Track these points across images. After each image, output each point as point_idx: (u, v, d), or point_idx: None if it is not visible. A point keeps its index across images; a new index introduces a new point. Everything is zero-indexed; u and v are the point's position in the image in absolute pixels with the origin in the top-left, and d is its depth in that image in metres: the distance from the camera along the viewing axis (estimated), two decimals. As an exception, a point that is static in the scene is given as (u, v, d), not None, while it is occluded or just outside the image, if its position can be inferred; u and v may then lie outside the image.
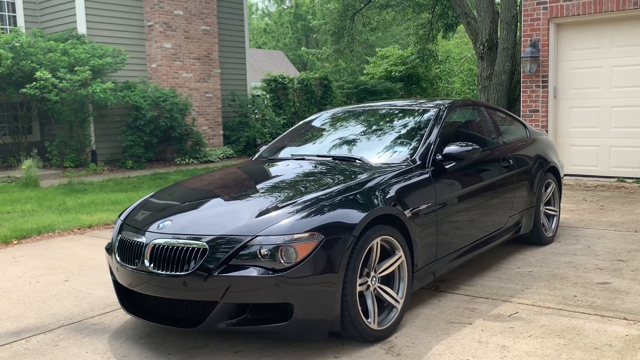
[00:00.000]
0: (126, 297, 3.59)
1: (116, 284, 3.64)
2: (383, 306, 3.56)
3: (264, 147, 5.19)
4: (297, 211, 3.29)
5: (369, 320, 3.36)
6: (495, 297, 4.17)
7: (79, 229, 7.01)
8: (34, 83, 11.23)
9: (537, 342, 3.36)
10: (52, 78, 11.25)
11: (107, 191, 9.86)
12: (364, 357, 3.26)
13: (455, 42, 30.99)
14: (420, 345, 3.37)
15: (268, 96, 17.54)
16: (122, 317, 3.99)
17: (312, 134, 5.17)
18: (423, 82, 21.45)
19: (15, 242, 6.41)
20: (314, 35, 34.81)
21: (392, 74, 20.82)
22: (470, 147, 4.19)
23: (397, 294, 3.60)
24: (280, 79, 17.55)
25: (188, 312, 3.30)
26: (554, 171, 5.73)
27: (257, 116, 16.23)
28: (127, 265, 3.42)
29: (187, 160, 13.65)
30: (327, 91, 18.63)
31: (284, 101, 17.57)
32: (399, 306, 3.59)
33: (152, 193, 4.30)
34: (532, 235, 5.42)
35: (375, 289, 3.47)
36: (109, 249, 3.72)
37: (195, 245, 3.18)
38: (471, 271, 4.79)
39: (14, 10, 13.28)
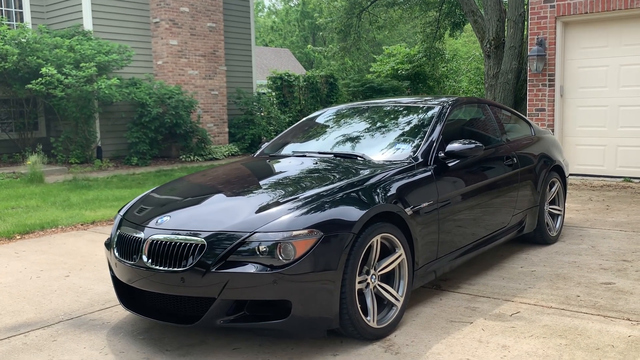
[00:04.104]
0: (125, 293, 3.57)
1: (115, 280, 3.62)
2: (383, 304, 3.53)
3: (266, 143, 5.16)
4: (296, 208, 3.26)
5: (368, 318, 3.33)
6: (497, 296, 4.13)
7: (82, 224, 7.01)
8: (40, 79, 11.25)
9: (539, 342, 3.32)
10: (58, 74, 11.26)
11: (112, 187, 9.87)
12: (362, 355, 3.23)
13: (463, 41, 30.89)
14: (420, 344, 3.34)
15: (274, 94, 17.53)
16: (121, 312, 3.98)
17: (314, 130, 5.14)
18: (430, 80, 21.36)
19: (18, 237, 6.42)
20: (321, 33, 34.75)
21: (399, 72, 20.74)
22: (473, 145, 4.15)
23: (397, 292, 3.57)
24: (286, 77, 17.54)
25: (186, 309, 3.28)
26: (559, 170, 5.68)
27: (262, 114, 16.22)
28: (125, 261, 3.41)
29: (192, 157, 13.65)
30: (333, 89, 18.60)
31: (289, 99, 17.56)
32: (399, 304, 3.55)
33: (152, 189, 4.28)
34: (536, 235, 5.37)
35: (375, 286, 3.44)
36: (108, 245, 3.70)
37: (193, 241, 3.15)
38: (473, 270, 4.75)
39: (20, 7, 13.31)
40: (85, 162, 12.54)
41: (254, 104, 15.77)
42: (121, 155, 13.26)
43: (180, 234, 3.22)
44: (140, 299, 3.50)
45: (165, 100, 12.89)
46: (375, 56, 25.87)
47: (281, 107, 17.18)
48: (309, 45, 30.69)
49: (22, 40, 11.55)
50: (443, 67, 22.21)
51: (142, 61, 13.90)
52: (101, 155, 12.90)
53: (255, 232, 3.10)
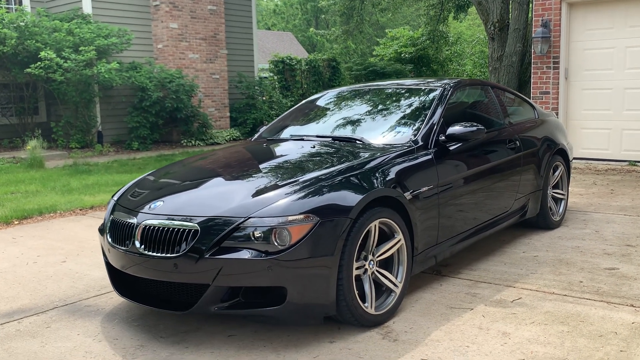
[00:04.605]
0: (119, 279, 3.51)
1: (109, 266, 3.56)
2: (381, 290, 3.46)
3: (264, 127, 5.08)
4: (292, 193, 3.18)
5: (366, 304, 3.27)
6: (498, 282, 4.06)
7: (80, 209, 6.96)
8: (39, 63, 11.16)
9: (540, 328, 3.25)
10: (57, 58, 11.17)
11: (112, 172, 9.81)
12: (360, 342, 3.17)
13: (467, 24, 30.56)
14: (419, 331, 3.28)
15: (275, 78, 17.37)
16: (116, 299, 3.92)
17: (313, 113, 5.04)
18: (433, 64, 21.14)
19: (16, 222, 6.37)
20: (323, 16, 34.46)
21: (402, 55, 20.53)
22: (474, 128, 4.06)
23: (396, 278, 3.50)
24: (287, 61, 17.38)
25: (180, 295, 3.22)
26: (563, 153, 5.58)
27: (264, 98, 16.08)
28: (118, 246, 3.34)
29: (193, 142, 13.56)
30: (335, 73, 18.43)
31: (291, 83, 17.41)
32: (398, 290, 3.49)
33: (146, 173, 4.21)
34: (539, 219, 5.29)
35: (373, 272, 3.37)
36: (102, 230, 3.64)
37: (186, 227, 3.08)
38: (475, 255, 4.68)
39: (19, -10, 13.17)
40: (85, 146, 12.47)
41: (256, 88, 15.64)
42: (122, 139, 13.18)
43: (173, 219, 3.15)
44: (134, 285, 3.44)
45: (166, 84, 12.78)
46: (378, 39, 25.63)
47: (283, 91, 17.05)
48: (312, 29, 30.40)
49: (21, 24, 11.44)
50: (447, 50, 21.98)
51: (143, 45, 13.77)
52: (102, 140, 12.83)
53: (249, 217, 3.03)
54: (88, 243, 5.43)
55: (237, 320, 3.45)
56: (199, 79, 14.29)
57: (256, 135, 4.94)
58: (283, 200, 3.12)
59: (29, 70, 11.18)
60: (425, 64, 20.98)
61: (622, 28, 8.89)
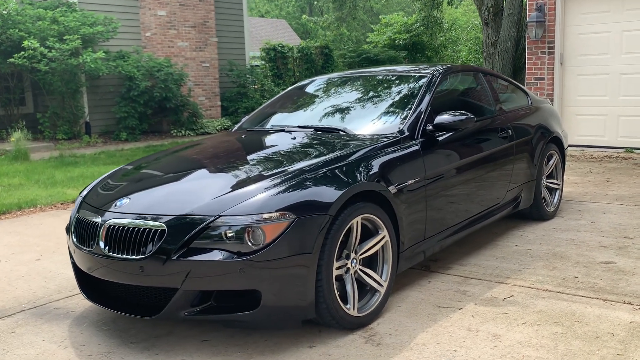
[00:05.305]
0: (86, 281, 3.30)
1: (75, 268, 3.35)
2: (365, 290, 3.27)
3: (246, 117, 4.86)
4: (267, 188, 2.97)
5: (348, 306, 3.07)
6: (489, 278, 3.87)
7: (62, 203, 6.74)
8: (22, 52, 10.87)
9: (532, 330, 3.07)
10: (41, 47, 10.88)
11: (99, 164, 9.59)
12: (341, 347, 2.98)
13: (463, 10, 30.19)
14: (404, 334, 3.09)
15: (267, 66, 17.09)
16: (88, 300, 3.72)
17: (299, 102, 4.83)
18: (428, 50, 20.85)
19: (-7, 218, 6.16)
20: (316, 3, 34.08)
21: (396, 42, 20.23)
22: (463, 117, 3.85)
23: (381, 277, 3.31)
24: (279, 48, 17.09)
25: (149, 299, 3.02)
26: (557, 142, 5.37)
27: (256, 86, 15.82)
28: (83, 247, 3.13)
29: (183, 132, 13.31)
30: (328, 60, 18.15)
31: (283, 71, 17.14)
32: (383, 290, 3.29)
33: (117, 168, 3.99)
34: (533, 210, 5.10)
35: (356, 271, 3.18)
36: (68, 229, 3.43)
37: (153, 227, 2.88)
38: (466, 249, 4.49)
39: (2, -23, 12.83)
40: (73, 138, 12.21)
41: (247, 76, 15.37)
42: (110, 130, 12.92)
43: (140, 219, 2.94)
44: (103, 288, 3.24)
45: (154, 73, 12.51)
46: (372, 26, 25.30)
47: (275, 80, 16.77)
48: (304, 16, 30.00)
49: (4, 12, 11.14)
50: (441, 37, 21.68)
51: (130, 33, 13.47)
52: (90, 131, 12.56)
53: (220, 216, 2.82)
54: (65, 239, 5.22)
55: (212, 324, 3.25)
56: (189, 67, 14.01)
57: (237, 126, 4.73)
58: (257, 196, 2.91)
59: (12, 60, 10.90)
60: (420, 51, 20.69)
61: (618, 11, 8.66)
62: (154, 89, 12.46)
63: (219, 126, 14.12)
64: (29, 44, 10.75)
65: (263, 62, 17.34)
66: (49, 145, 11.36)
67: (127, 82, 12.43)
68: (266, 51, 17.07)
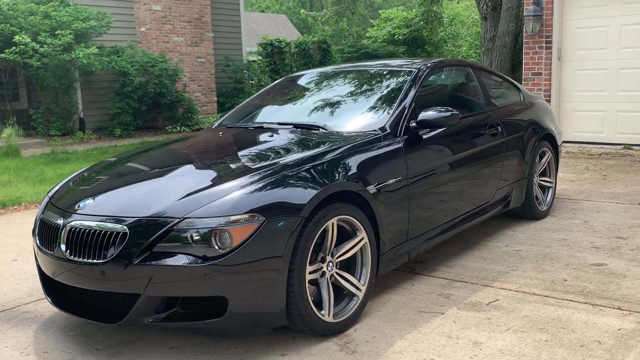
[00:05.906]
0: (51, 286, 3.17)
1: (40, 272, 3.21)
2: (343, 294, 3.13)
3: (227, 113, 4.72)
4: (236, 189, 2.83)
5: (323, 312, 2.93)
6: (475, 280, 3.73)
7: (47, 201, 6.60)
8: (14, 48, 10.74)
9: (515, 337, 2.93)
10: (33, 42, 10.75)
11: (91, 161, 9.45)
12: (314, 354, 2.84)
13: (465, 5, 29.95)
14: (381, 340, 2.95)
15: (264, 61, 16.92)
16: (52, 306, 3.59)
17: (282, 97, 4.68)
18: (428, 45, 20.64)
19: (-24, 216, 6.04)
20: (316, -2, 33.86)
21: (396, 37, 20.02)
22: (448, 113, 3.69)
23: (359, 280, 3.17)
24: (276, 43, 16.92)
25: (112, 305, 2.89)
26: (550, 138, 5.22)
27: (252, 82, 15.67)
28: (46, 250, 3.00)
29: (178, 127, 13.16)
30: (326, 55, 17.96)
31: (280, 66, 16.96)
32: (361, 294, 3.15)
33: (88, 166, 3.86)
34: (524, 209, 4.95)
35: (332, 275, 3.04)
36: (34, 231, 3.29)
37: (114, 229, 2.74)
38: (453, 249, 4.35)
39: (-6, -28, 12.69)
40: (66, 134, 12.08)
41: (244, 71, 15.22)
42: (104, 126, 12.79)
43: (101, 221, 2.81)
44: (68, 293, 3.10)
45: (149, 68, 12.36)
46: (372, 21, 25.10)
47: (272, 75, 16.60)
48: (303, 10, 29.80)
49: (-5, 7, 11.01)
50: (442, 32, 21.47)
51: (125, 28, 13.33)
52: (84, 127, 12.44)
53: (185, 218, 2.68)
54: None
55: (182, 331, 3.12)
56: (184, 62, 13.86)
57: (217, 123, 4.59)
58: (225, 198, 2.77)
59: (3, 55, 10.76)
60: (420, 46, 20.48)
61: (617, 5, 8.47)
62: (148, 85, 12.33)
63: (215, 122, 13.96)
64: (20, 39, 10.62)
65: (260, 58, 17.17)
66: (41, 141, 11.24)
67: (121, 77, 12.29)
68: (263, 46, 16.91)
